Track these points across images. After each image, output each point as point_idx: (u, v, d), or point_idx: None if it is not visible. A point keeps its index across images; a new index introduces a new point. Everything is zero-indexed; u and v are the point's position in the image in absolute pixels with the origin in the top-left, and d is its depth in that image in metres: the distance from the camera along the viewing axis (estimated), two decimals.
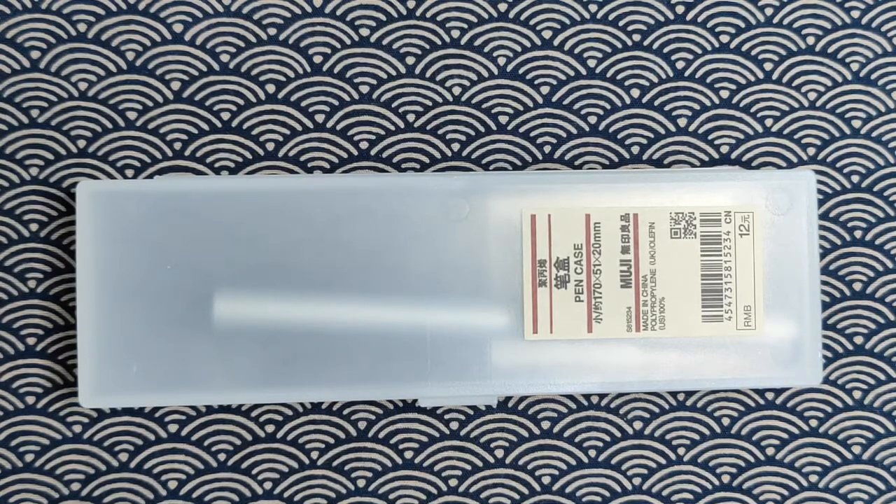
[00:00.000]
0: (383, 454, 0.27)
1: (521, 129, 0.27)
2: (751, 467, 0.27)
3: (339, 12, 0.27)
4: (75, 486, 0.26)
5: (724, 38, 0.28)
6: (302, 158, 0.27)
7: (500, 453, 0.27)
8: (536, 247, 0.25)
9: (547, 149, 0.27)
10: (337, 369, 0.24)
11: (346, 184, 0.25)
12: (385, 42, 0.27)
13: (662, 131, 0.28)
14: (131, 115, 0.27)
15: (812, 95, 0.28)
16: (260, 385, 0.24)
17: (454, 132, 0.27)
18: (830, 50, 0.28)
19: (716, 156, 0.28)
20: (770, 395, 0.28)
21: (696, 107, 0.28)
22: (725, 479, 0.27)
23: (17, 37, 0.27)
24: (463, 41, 0.27)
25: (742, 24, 0.28)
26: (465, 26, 0.27)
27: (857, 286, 0.28)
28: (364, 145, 0.27)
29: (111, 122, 0.27)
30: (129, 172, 0.27)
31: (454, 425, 0.27)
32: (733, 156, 0.28)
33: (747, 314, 0.25)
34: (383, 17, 0.27)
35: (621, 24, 0.28)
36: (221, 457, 0.27)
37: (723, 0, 0.28)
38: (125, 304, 0.24)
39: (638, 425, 0.27)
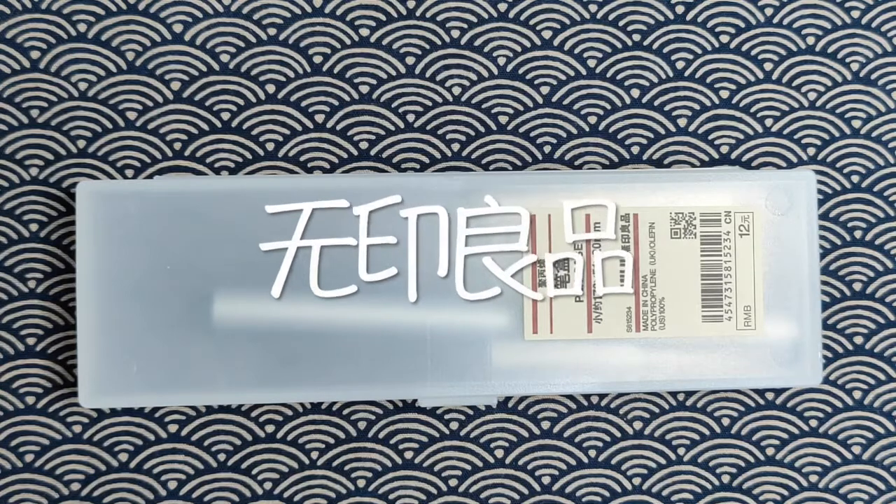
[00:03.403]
0: (383, 454, 0.27)
1: (521, 129, 0.27)
2: (751, 467, 0.27)
3: (339, 12, 0.27)
4: (75, 486, 0.26)
5: (724, 38, 0.28)
6: (302, 158, 0.27)
7: (500, 453, 0.27)
8: (536, 247, 0.25)
9: (547, 149, 0.27)
10: (337, 369, 0.24)
11: (345, 184, 0.25)
12: (385, 42, 0.27)
13: (662, 131, 0.28)
14: (131, 115, 0.27)
15: (812, 95, 0.28)
16: (260, 385, 0.24)
17: (454, 132, 0.27)
18: (830, 50, 0.28)
19: (716, 156, 0.28)
20: (770, 395, 0.28)
21: (696, 107, 0.28)
22: (725, 479, 0.27)
23: (17, 37, 0.27)
24: (463, 41, 0.27)
25: (742, 24, 0.28)
26: (465, 26, 0.27)
27: (857, 286, 0.28)
28: (364, 145, 0.27)
29: (111, 122, 0.27)
30: (129, 172, 0.27)
31: (454, 425, 0.27)
32: (733, 156, 0.28)
33: (747, 314, 0.25)
34: (383, 17, 0.27)
35: (621, 24, 0.28)
36: (221, 457, 0.27)
37: (723, 0, 0.28)
38: (125, 304, 0.24)
39: (638, 425, 0.27)
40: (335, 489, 0.27)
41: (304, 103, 0.27)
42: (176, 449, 0.27)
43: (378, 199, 0.25)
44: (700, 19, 0.28)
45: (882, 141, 0.28)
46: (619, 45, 0.28)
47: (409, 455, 0.27)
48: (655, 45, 0.28)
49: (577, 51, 0.28)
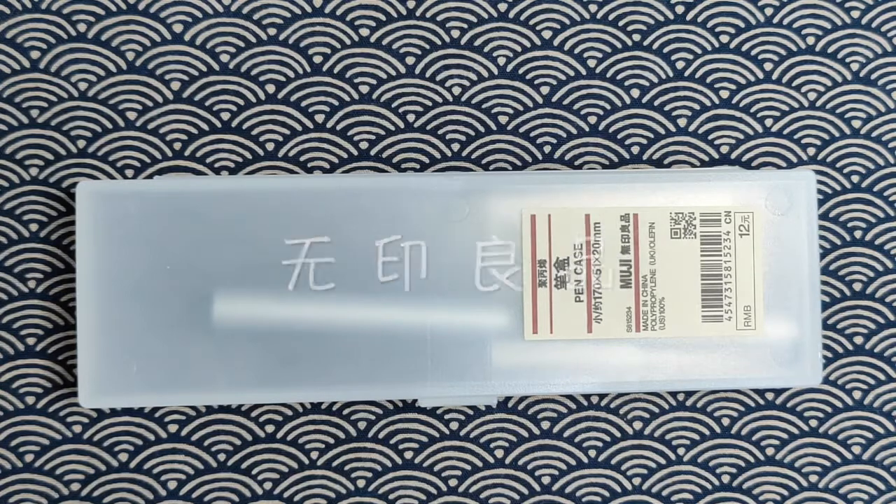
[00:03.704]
0: (383, 454, 0.27)
1: (521, 129, 0.27)
2: (751, 467, 0.27)
3: (339, 12, 0.27)
4: (75, 486, 0.26)
5: (724, 38, 0.28)
6: (302, 158, 0.27)
7: (500, 453, 0.27)
8: (536, 247, 0.25)
9: (547, 149, 0.27)
10: (337, 369, 0.24)
11: (346, 184, 0.25)
12: (385, 42, 0.27)
13: (662, 131, 0.28)
14: (131, 115, 0.27)
15: (812, 95, 0.28)
16: (260, 385, 0.24)
17: (454, 132, 0.27)
18: (830, 50, 0.28)
19: (716, 156, 0.28)
20: (770, 395, 0.28)
21: (696, 107, 0.28)
22: (725, 479, 0.27)
23: (17, 37, 0.27)
24: (463, 41, 0.27)
25: (742, 24, 0.28)
26: (465, 26, 0.27)
27: (857, 286, 0.28)
28: (364, 145, 0.27)
29: (111, 122, 0.27)
30: (129, 172, 0.27)
31: (454, 425, 0.27)
32: (733, 156, 0.28)
33: (747, 314, 0.25)
34: (383, 17, 0.27)
35: (621, 24, 0.28)
36: (221, 457, 0.27)
37: (723, 0, 0.28)
38: (125, 304, 0.24)
39: (638, 425, 0.27)
40: (335, 489, 0.27)
41: (304, 103, 0.27)
42: (176, 449, 0.27)
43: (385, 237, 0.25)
44: (700, 19, 0.28)
45: (882, 141, 0.28)
46: (619, 45, 0.28)
47: (409, 455, 0.27)
48: (655, 45, 0.28)
49: (577, 51, 0.28)
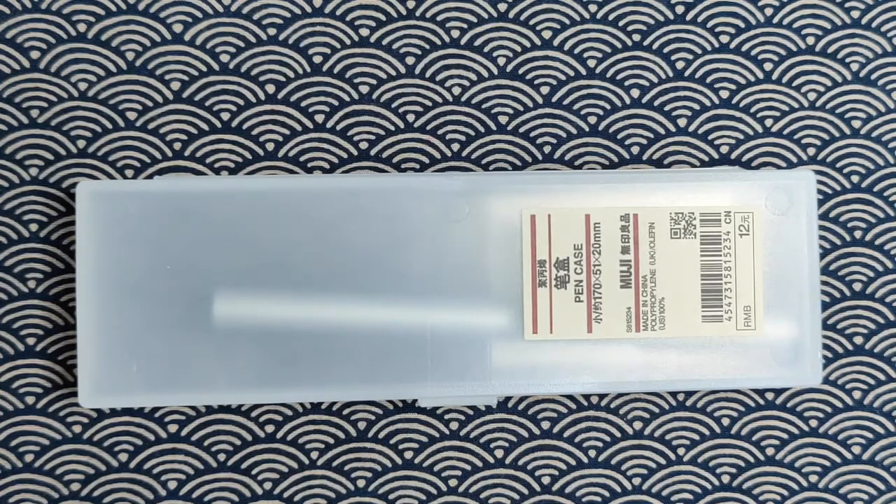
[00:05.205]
0: (383, 454, 0.27)
1: (521, 129, 0.27)
2: (751, 467, 0.27)
3: (339, 12, 0.27)
4: (75, 486, 0.26)
5: (724, 38, 0.28)
6: (302, 158, 0.27)
7: (500, 453, 0.27)
8: (536, 247, 0.25)
9: (547, 149, 0.28)
10: (337, 369, 0.24)
11: (346, 184, 0.25)
12: (385, 42, 0.27)
13: (662, 131, 0.28)
14: (131, 115, 0.27)
15: (812, 95, 0.28)
16: (260, 385, 0.24)
17: (454, 132, 0.27)
18: (830, 50, 0.28)
19: (716, 156, 0.28)
20: (770, 395, 0.28)
21: (696, 107, 0.28)
22: (725, 479, 0.27)
23: (17, 37, 0.27)
24: (463, 41, 0.27)
25: (742, 24, 0.28)
26: (465, 26, 0.27)
27: (857, 286, 0.28)
28: (364, 145, 0.27)
29: (111, 122, 0.27)
30: (129, 172, 0.27)
31: (454, 425, 0.27)
32: (733, 156, 0.28)
33: (747, 314, 0.25)
34: (383, 17, 0.27)
35: (621, 24, 0.28)
36: (221, 457, 0.27)
37: (723, 0, 0.28)
38: (125, 304, 0.24)
39: (638, 425, 0.27)
40: (335, 489, 0.27)
41: (304, 103, 0.27)
42: (176, 449, 0.27)
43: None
44: (700, 19, 0.28)
45: (882, 141, 0.28)
46: (619, 45, 0.28)
47: (409, 455, 0.27)
48: (655, 45, 0.28)
49: (577, 51, 0.28)
